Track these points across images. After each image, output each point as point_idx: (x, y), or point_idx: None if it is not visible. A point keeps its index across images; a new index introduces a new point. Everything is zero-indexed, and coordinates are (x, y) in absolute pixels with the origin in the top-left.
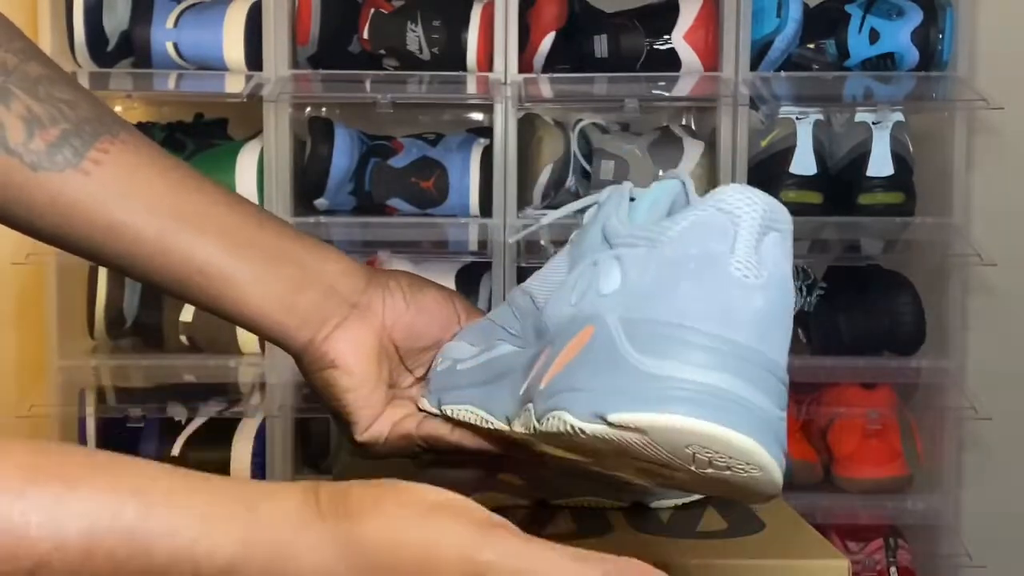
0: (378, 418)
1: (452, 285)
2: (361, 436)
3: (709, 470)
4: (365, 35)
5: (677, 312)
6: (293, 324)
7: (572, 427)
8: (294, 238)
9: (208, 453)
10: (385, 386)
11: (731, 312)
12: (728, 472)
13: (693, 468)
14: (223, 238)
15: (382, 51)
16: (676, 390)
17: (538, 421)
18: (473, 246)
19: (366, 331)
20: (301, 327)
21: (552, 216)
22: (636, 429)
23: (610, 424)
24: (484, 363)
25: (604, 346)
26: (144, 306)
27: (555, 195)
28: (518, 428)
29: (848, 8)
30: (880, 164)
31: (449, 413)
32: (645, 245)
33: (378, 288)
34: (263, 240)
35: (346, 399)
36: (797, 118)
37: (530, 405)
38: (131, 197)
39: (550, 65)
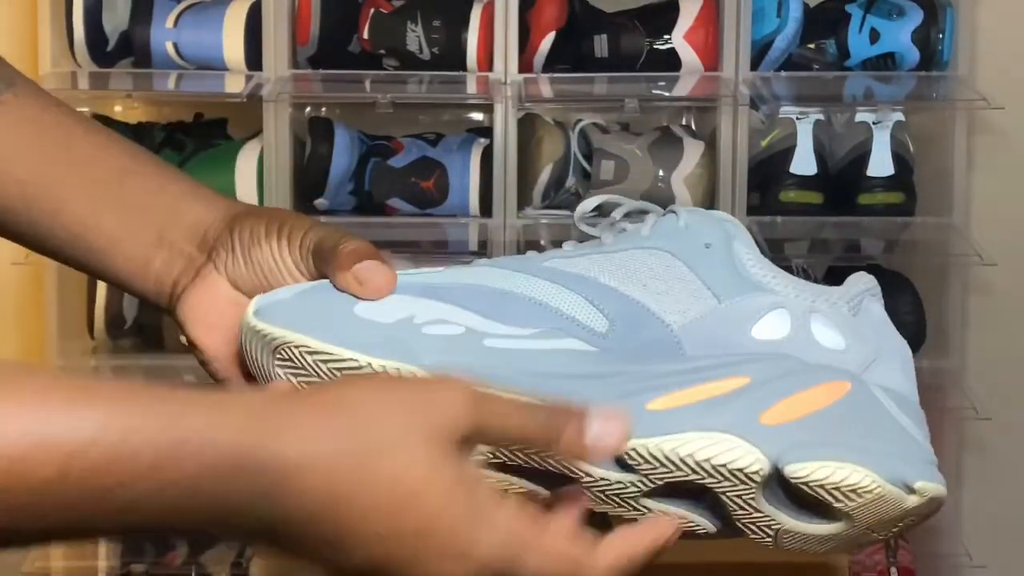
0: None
1: None
2: None
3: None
4: (365, 35)
5: (909, 389)
6: (152, 290)
7: (862, 485)
8: (158, 185)
9: None
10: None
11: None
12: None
13: (896, 530)
14: (88, 194)
15: (382, 51)
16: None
17: (778, 465)
18: (473, 246)
19: (210, 296)
20: (159, 293)
21: (627, 205)
22: (933, 499)
23: (912, 491)
24: (538, 352)
25: (866, 408)
26: (144, 306)
27: (555, 195)
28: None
29: (848, 8)
30: (880, 164)
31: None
32: (848, 311)
33: (221, 245)
34: (127, 194)
35: (211, 371)
36: (797, 118)
37: (740, 439)
38: (10, 154)
39: (550, 65)
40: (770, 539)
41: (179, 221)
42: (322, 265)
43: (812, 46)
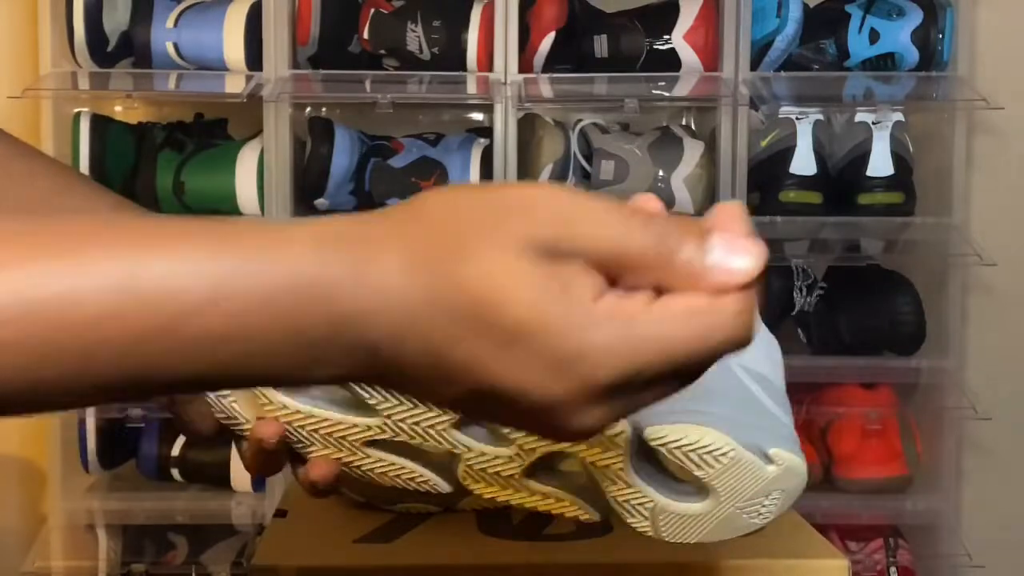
0: None
1: None
2: (156, 401)
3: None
4: (365, 35)
5: (773, 374)
6: None
7: (717, 447)
8: (93, 209)
9: (208, 454)
10: None
11: None
12: None
13: (766, 511)
14: (16, 208)
15: (382, 51)
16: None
17: (638, 428)
18: None
19: None
20: None
21: None
22: (791, 469)
23: (768, 459)
24: None
25: (723, 381)
26: None
27: None
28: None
29: (848, 8)
30: (880, 164)
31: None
32: None
33: None
34: (56, 212)
35: None
36: (797, 118)
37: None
38: None
39: (550, 65)
40: (648, 522)
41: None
42: None
43: (812, 46)
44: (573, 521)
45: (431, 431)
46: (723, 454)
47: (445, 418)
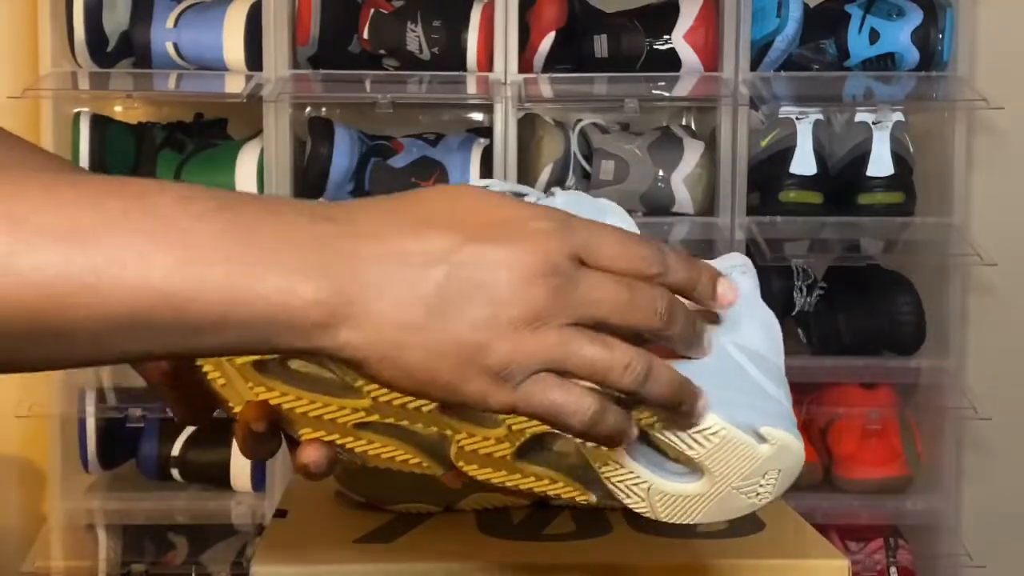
0: (162, 371)
1: None
2: (153, 389)
3: (761, 489)
4: (365, 35)
5: (771, 352)
6: None
7: (707, 423)
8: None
9: (208, 454)
10: None
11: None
12: None
13: (763, 491)
14: None
15: (382, 51)
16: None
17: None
18: None
19: None
20: None
21: None
22: (784, 448)
23: (761, 438)
24: None
25: (720, 361)
26: None
27: None
28: None
29: (848, 8)
30: (880, 164)
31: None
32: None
33: None
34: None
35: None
36: (797, 118)
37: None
38: None
39: (550, 65)
40: (645, 504)
41: None
42: None
43: (812, 46)
44: (571, 510)
45: (419, 412)
46: (713, 433)
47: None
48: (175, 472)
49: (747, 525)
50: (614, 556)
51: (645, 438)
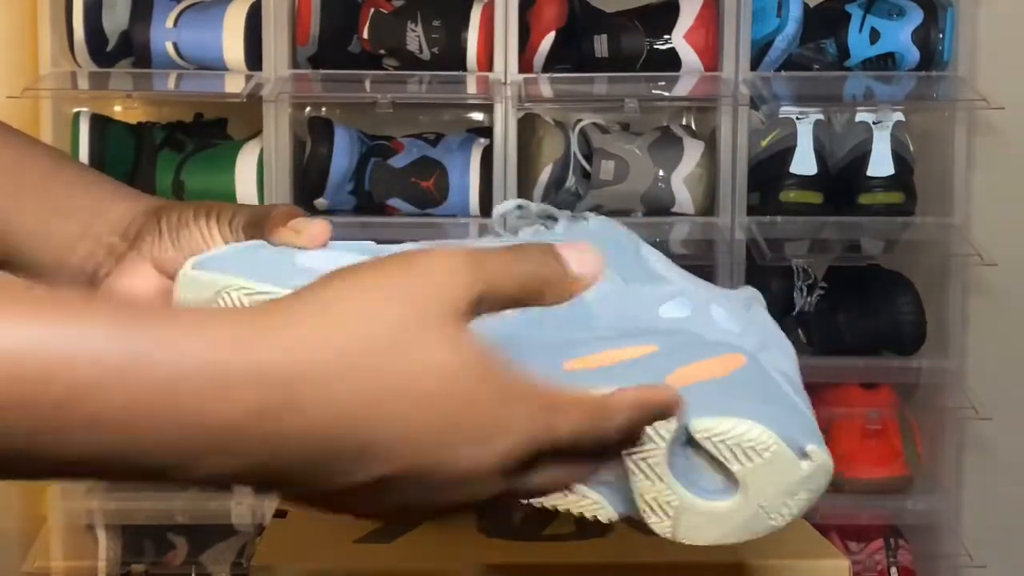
0: None
1: None
2: None
3: (785, 510)
4: (365, 35)
5: (796, 377)
6: (73, 279)
7: (761, 440)
8: (84, 186)
9: None
10: None
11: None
12: None
13: (787, 512)
14: (10, 194)
15: (382, 51)
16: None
17: (685, 420)
18: None
19: (133, 281)
20: (78, 281)
21: None
22: (821, 467)
23: (804, 455)
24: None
25: (760, 379)
26: None
27: (555, 195)
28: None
29: (848, 8)
30: (880, 164)
31: None
32: (743, 306)
33: (147, 231)
34: (50, 195)
35: None
36: (797, 118)
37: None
38: None
39: (550, 65)
40: (669, 522)
41: (103, 217)
42: (257, 233)
43: (812, 46)
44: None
45: None
46: (766, 448)
47: None
48: None
49: None
50: (614, 556)
51: (684, 454)
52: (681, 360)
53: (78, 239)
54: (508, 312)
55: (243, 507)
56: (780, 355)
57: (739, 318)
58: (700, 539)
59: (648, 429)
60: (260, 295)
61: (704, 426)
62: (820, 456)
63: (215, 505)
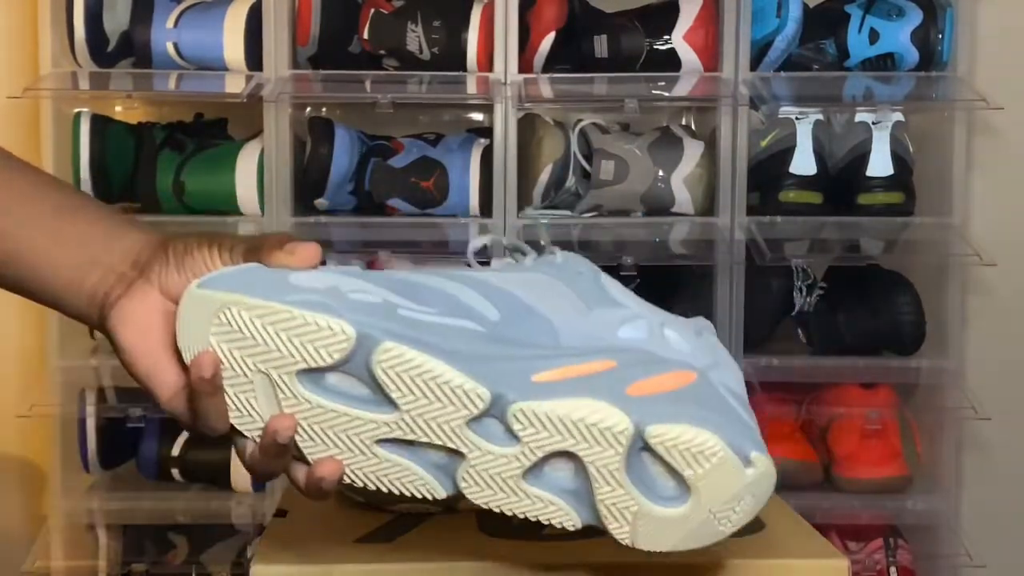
0: (176, 388)
1: None
2: (165, 407)
3: (734, 515)
4: (365, 35)
5: (743, 394)
6: (84, 304)
7: (709, 446)
8: (93, 217)
9: (208, 454)
10: (173, 354)
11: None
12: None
13: (736, 517)
14: (25, 226)
15: (382, 51)
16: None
17: (640, 427)
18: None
19: (142, 305)
20: (90, 306)
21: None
22: (764, 474)
23: (749, 461)
24: (444, 326)
25: (709, 393)
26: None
27: (555, 195)
28: (526, 405)
29: (848, 8)
30: (880, 164)
31: (393, 352)
32: (694, 331)
33: (156, 260)
34: (63, 227)
35: (135, 372)
36: (797, 118)
37: (608, 404)
38: None
39: (550, 65)
40: (627, 528)
41: (113, 246)
42: (254, 257)
43: (812, 46)
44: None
45: (445, 427)
46: (713, 454)
47: (462, 413)
48: (175, 472)
49: (747, 525)
50: (614, 556)
51: (640, 460)
52: (638, 375)
53: (90, 267)
54: (469, 325)
55: (243, 507)
56: (728, 374)
57: (690, 341)
58: (656, 545)
59: (607, 435)
60: (256, 310)
61: (658, 432)
62: (763, 463)
63: (215, 505)
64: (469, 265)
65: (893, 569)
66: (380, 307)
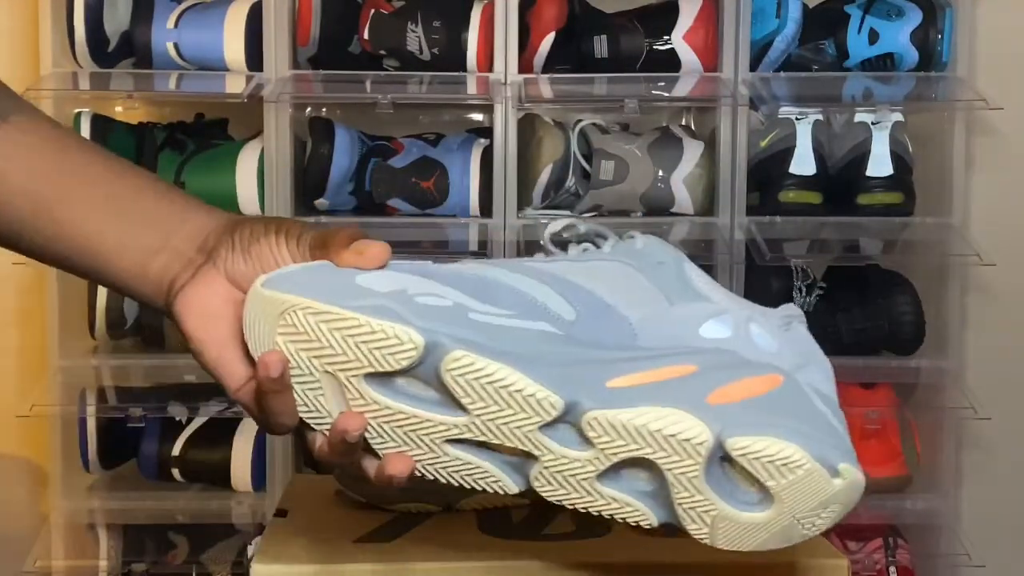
0: (244, 380)
1: None
2: (233, 396)
3: (818, 521)
4: (365, 35)
5: (832, 394)
6: (151, 290)
7: (795, 459)
8: (158, 198)
9: (208, 453)
10: (241, 345)
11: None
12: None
13: (820, 522)
14: (94, 209)
15: (382, 51)
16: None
17: (721, 438)
18: (473, 246)
19: (208, 292)
20: (157, 291)
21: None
22: (853, 484)
23: (836, 472)
24: (517, 330)
25: (796, 399)
26: (144, 307)
27: (555, 195)
28: (600, 413)
29: (847, 8)
30: (879, 164)
31: (463, 361)
32: (780, 326)
33: (222, 245)
34: (132, 209)
35: (204, 361)
36: (797, 118)
37: (687, 414)
38: (10, 171)
39: (550, 65)
40: (707, 530)
41: (181, 228)
42: (320, 254)
43: (811, 46)
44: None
45: (517, 432)
46: (799, 466)
47: (534, 420)
48: (175, 472)
49: None
50: (614, 556)
51: (721, 467)
52: (720, 380)
53: (157, 251)
54: (544, 327)
55: (243, 507)
56: (817, 373)
57: (777, 337)
58: (737, 547)
59: (686, 446)
60: (321, 315)
61: (740, 445)
62: (852, 474)
63: (216, 505)
64: (545, 252)
65: (892, 569)
66: (450, 311)
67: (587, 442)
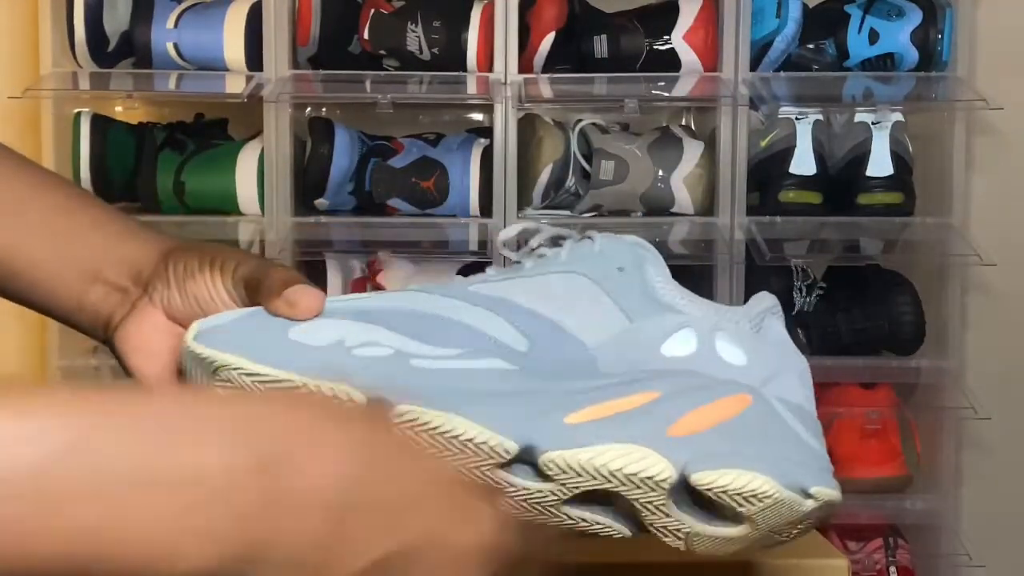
0: None
1: None
2: None
3: (795, 531)
4: (365, 35)
5: (807, 400)
6: (87, 322)
7: (762, 490)
8: (93, 226)
9: None
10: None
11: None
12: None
13: (797, 532)
14: (22, 233)
15: (382, 51)
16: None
17: (685, 473)
18: (473, 246)
19: (147, 327)
20: (94, 325)
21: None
22: (828, 503)
23: (808, 495)
24: (464, 371)
25: (765, 419)
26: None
27: (555, 195)
28: (563, 462)
29: (848, 8)
30: (879, 164)
31: (408, 416)
32: (750, 329)
33: (157, 279)
34: (60, 232)
35: None
36: (797, 118)
37: (650, 450)
38: None
39: (550, 65)
40: (681, 541)
41: (114, 257)
42: (253, 295)
43: (811, 46)
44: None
45: (475, 471)
46: (767, 495)
47: (489, 463)
48: None
49: None
50: (614, 556)
51: (693, 491)
52: (683, 407)
53: (91, 280)
54: (495, 365)
55: None
56: (790, 380)
57: (747, 344)
58: (715, 554)
59: (648, 483)
60: (255, 376)
61: (705, 480)
62: (825, 495)
63: None
64: (504, 259)
65: (892, 569)
66: (391, 361)
67: (547, 479)
